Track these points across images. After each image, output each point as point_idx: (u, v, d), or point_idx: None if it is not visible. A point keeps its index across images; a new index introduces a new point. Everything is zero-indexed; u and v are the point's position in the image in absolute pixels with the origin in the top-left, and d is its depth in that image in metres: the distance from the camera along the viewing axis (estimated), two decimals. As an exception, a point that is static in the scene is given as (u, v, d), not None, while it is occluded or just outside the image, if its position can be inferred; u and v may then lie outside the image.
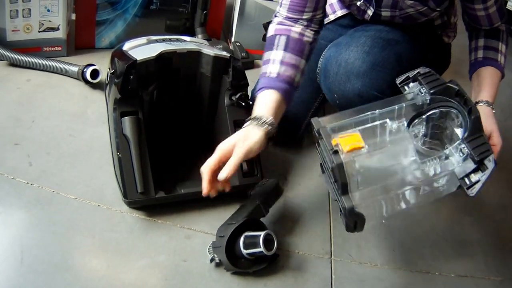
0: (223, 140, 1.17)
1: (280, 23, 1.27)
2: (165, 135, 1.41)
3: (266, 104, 1.21)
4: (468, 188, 1.00)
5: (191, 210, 1.30)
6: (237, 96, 1.34)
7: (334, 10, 1.49)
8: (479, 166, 0.99)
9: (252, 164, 1.34)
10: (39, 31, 1.70)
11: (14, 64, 1.65)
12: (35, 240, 1.12)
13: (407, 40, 1.35)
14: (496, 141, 1.18)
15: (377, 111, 1.04)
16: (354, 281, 1.24)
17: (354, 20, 1.45)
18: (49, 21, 1.69)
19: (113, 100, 1.28)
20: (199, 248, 1.21)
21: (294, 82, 1.26)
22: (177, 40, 1.40)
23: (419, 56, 1.37)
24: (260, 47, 2.06)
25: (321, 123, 1.02)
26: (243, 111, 1.35)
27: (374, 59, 1.26)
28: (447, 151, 1.03)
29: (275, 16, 1.30)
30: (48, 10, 1.67)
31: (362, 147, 0.97)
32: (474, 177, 1.00)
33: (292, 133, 1.60)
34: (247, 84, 1.37)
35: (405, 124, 1.03)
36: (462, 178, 1.01)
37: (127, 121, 1.23)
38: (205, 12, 1.93)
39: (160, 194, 1.23)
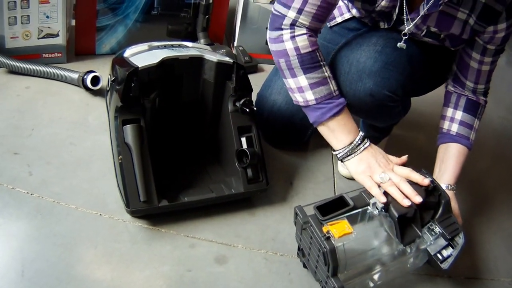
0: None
1: (309, 35, 1.19)
2: (167, 142, 1.39)
3: (352, 123, 1.24)
4: (442, 262, 1.14)
5: (195, 218, 1.28)
6: (241, 102, 1.31)
7: (342, 12, 1.47)
8: (450, 243, 1.14)
9: (257, 170, 1.32)
10: (38, 38, 1.68)
11: (13, 71, 1.63)
12: (36, 252, 1.10)
13: (417, 43, 1.34)
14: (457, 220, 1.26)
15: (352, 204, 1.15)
16: None
17: (361, 23, 1.43)
18: (48, 27, 1.68)
19: (114, 108, 1.26)
20: (204, 257, 1.19)
21: None
22: (179, 46, 1.38)
23: (428, 59, 1.36)
24: (263, 51, 2.05)
25: (306, 211, 1.12)
26: (247, 117, 1.33)
27: (387, 59, 1.25)
28: (420, 233, 1.15)
29: (296, 26, 1.18)
30: (47, 17, 1.65)
31: (351, 233, 1.07)
32: (446, 252, 1.15)
33: (298, 137, 1.59)
34: (251, 90, 1.35)
35: (382, 209, 1.13)
36: (435, 254, 1.15)
37: (129, 129, 1.21)
38: (207, 16, 1.92)
39: (163, 202, 1.21)
